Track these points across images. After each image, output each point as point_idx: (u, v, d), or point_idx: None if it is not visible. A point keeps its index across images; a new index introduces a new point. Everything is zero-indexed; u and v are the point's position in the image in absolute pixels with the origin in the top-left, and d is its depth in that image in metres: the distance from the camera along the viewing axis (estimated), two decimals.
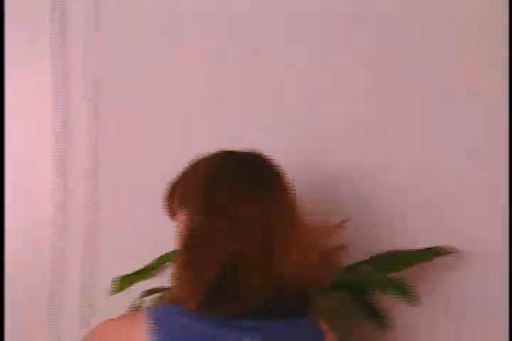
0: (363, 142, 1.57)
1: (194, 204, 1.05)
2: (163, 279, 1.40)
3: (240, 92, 1.59)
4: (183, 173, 1.10)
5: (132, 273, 1.43)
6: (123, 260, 1.53)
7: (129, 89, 1.61)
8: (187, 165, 1.10)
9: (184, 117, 1.60)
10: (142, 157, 1.58)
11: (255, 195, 1.03)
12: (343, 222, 1.33)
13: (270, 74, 1.58)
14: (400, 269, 1.41)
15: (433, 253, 1.46)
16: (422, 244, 1.51)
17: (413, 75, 1.56)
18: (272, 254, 1.00)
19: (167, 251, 1.42)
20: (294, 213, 1.05)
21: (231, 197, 1.02)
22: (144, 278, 1.42)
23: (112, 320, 1.03)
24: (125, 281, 1.40)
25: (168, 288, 1.30)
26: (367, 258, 1.44)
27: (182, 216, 1.07)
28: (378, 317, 1.40)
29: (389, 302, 1.49)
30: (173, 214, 1.11)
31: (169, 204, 1.12)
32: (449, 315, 1.57)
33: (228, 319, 1.00)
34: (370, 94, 1.57)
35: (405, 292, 1.38)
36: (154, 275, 1.46)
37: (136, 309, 1.19)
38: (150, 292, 1.36)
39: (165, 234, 1.29)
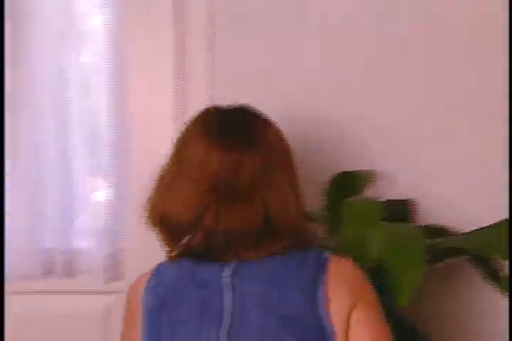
0: None
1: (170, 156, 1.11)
2: None
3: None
4: None
5: None
6: None
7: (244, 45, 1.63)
8: None
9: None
10: None
11: (233, 148, 1.04)
12: None
13: None
14: None
15: None
16: None
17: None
18: (250, 199, 1.03)
19: None
20: (274, 162, 1.06)
21: (204, 148, 1.05)
22: None
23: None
24: None
25: None
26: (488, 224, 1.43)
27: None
28: (503, 282, 1.38)
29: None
30: None
31: None
32: None
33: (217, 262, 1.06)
34: None
35: None
36: None
37: None
38: None
39: None
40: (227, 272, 1.05)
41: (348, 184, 1.49)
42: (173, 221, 1.07)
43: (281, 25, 1.62)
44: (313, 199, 1.36)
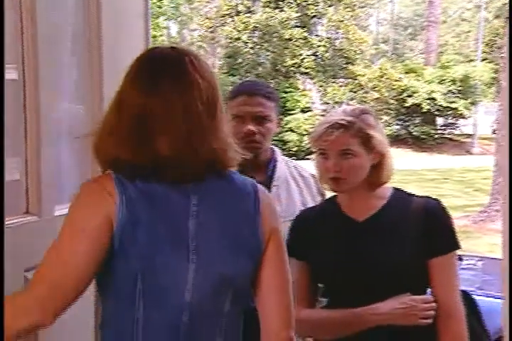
0: None
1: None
2: None
3: None
4: None
5: None
6: None
7: None
8: None
9: None
10: None
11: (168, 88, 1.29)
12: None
13: None
14: None
15: None
16: None
17: None
18: (193, 138, 1.29)
19: None
20: (206, 106, 1.30)
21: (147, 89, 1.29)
22: None
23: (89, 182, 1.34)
24: None
25: None
26: None
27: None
28: None
29: None
30: None
31: None
32: None
33: (177, 183, 1.29)
34: None
35: None
36: None
37: None
38: None
39: None
40: (192, 196, 1.30)
41: None
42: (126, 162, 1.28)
43: None
44: None
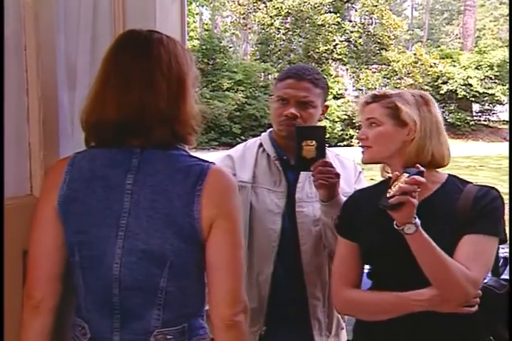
0: None
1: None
2: None
3: None
4: None
5: None
6: None
7: None
8: None
9: None
10: None
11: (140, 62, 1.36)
12: None
13: None
14: None
15: None
16: None
17: None
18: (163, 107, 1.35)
19: None
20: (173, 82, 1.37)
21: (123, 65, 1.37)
22: None
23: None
24: None
25: None
26: None
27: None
28: None
29: None
30: None
31: None
32: None
33: (128, 150, 1.36)
34: None
35: None
36: None
37: None
38: None
39: None
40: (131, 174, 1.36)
41: None
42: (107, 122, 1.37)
43: None
44: None
